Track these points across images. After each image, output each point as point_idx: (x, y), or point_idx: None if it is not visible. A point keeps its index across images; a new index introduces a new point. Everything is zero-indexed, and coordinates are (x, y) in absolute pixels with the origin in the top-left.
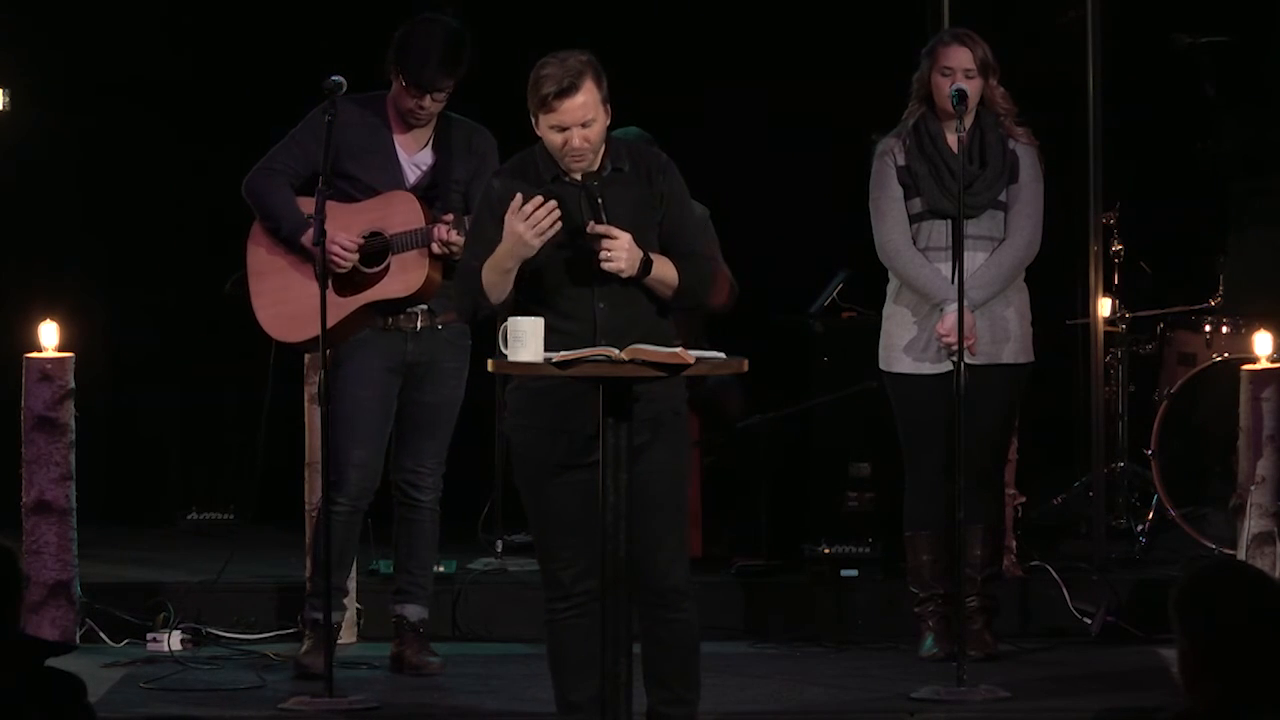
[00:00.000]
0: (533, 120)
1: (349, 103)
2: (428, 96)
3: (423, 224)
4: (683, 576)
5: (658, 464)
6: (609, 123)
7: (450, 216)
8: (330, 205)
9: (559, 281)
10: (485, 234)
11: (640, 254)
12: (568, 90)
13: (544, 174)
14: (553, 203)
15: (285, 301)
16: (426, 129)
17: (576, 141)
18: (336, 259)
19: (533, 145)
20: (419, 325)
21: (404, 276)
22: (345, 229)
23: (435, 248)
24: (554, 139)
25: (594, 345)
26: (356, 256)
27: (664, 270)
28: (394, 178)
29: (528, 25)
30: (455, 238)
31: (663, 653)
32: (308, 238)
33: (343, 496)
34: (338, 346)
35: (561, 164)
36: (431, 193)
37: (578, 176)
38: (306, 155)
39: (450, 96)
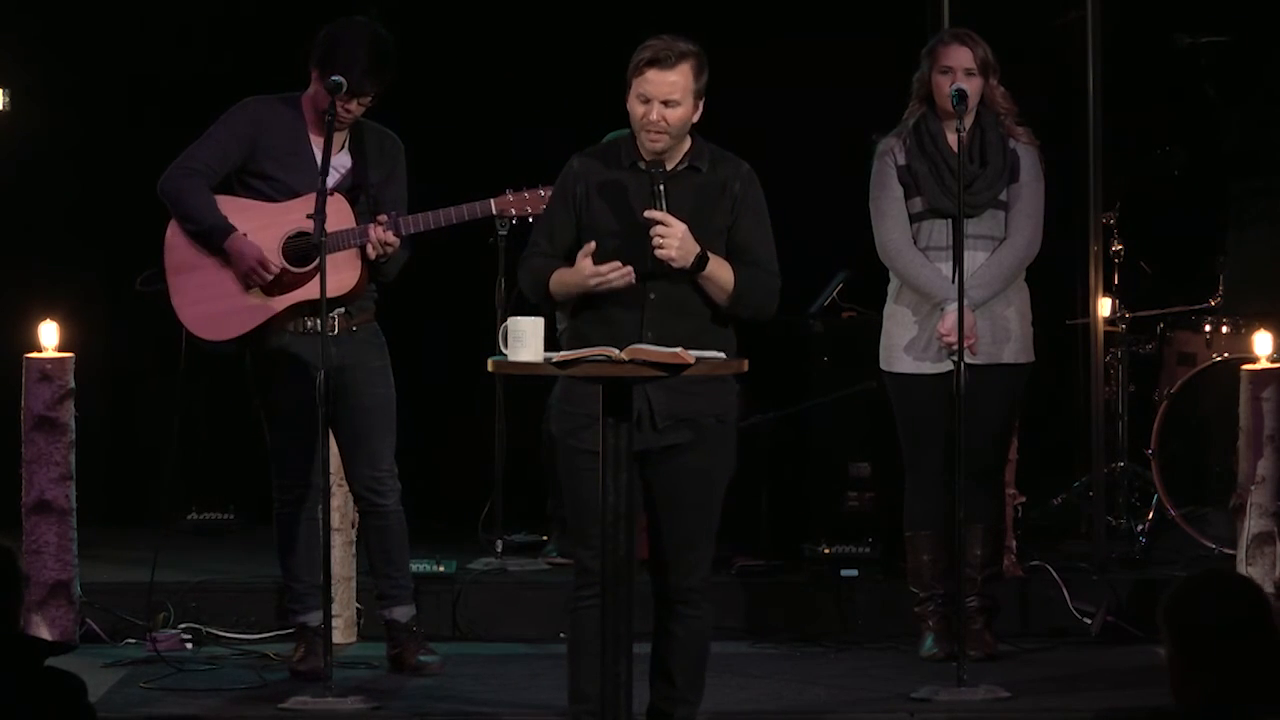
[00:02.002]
0: (626, 92)
1: (274, 102)
2: (354, 101)
3: (353, 224)
4: (705, 578)
5: (693, 467)
6: (696, 118)
7: (384, 218)
8: (254, 205)
9: None
10: (554, 212)
11: (695, 248)
12: (662, 61)
13: (624, 160)
14: (629, 270)
15: (208, 300)
16: (343, 132)
17: (655, 115)
18: (259, 274)
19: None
20: (337, 328)
21: (336, 276)
22: (272, 228)
23: (371, 250)
24: (637, 109)
25: (640, 336)
26: (278, 269)
27: (719, 271)
28: (312, 179)
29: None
30: (391, 238)
31: (675, 650)
32: (230, 242)
33: (295, 498)
34: (261, 350)
35: (639, 139)
36: (353, 195)
37: (644, 163)
38: (226, 154)
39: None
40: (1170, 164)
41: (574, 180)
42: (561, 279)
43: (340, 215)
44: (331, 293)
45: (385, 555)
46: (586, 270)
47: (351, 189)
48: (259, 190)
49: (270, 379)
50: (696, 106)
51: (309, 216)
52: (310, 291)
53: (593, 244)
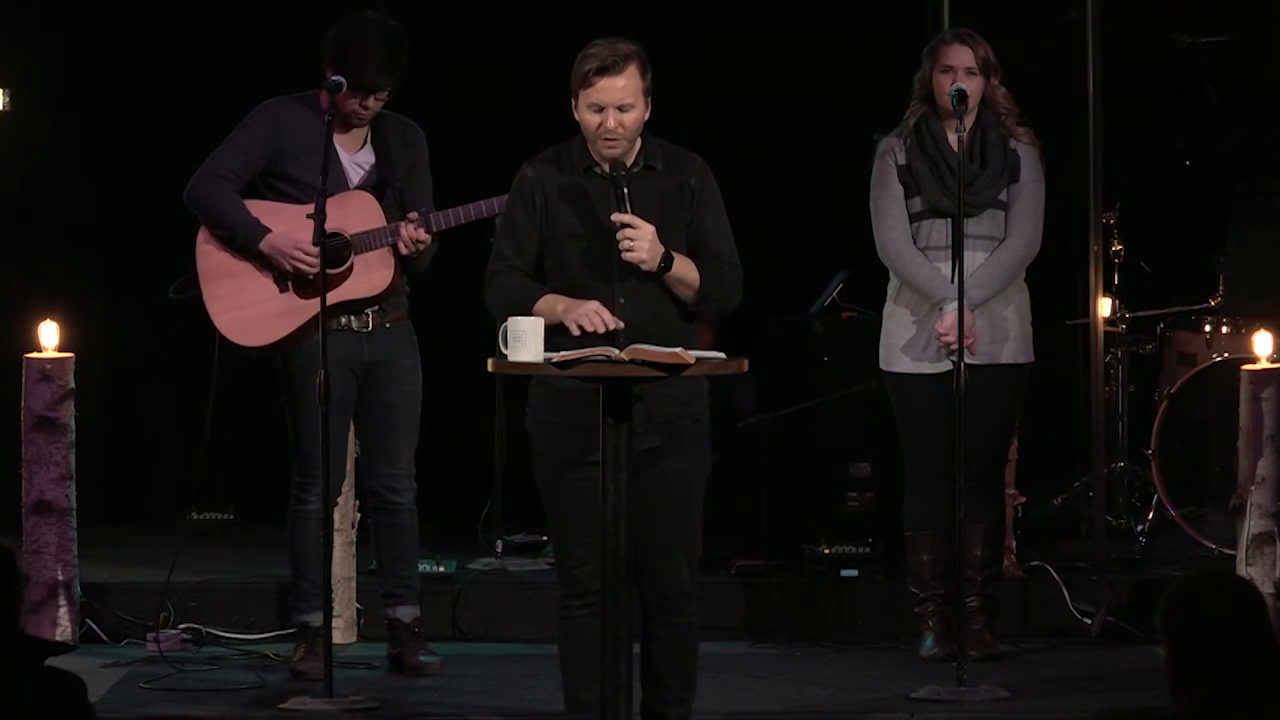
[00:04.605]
0: (572, 101)
1: (293, 103)
2: (371, 97)
3: (383, 223)
4: (689, 579)
5: (672, 469)
6: (647, 117)
7: (415, 215)
8: (281, 208)
9: (582, 274)
10: (515, 223)
11: (662, 248)
12: (610, 69)
13: (577, 164)
14: (611, 321)
15: (243, 305)
16: (363, 128)
17: (611, 123)
18: (302, 265)
19: (570, 139)
20: (371, 325)
21: (369, 276)
22: (301, 230)
23: (402, 247)
24: (590, 119)
25: (613, 341)
26: (316, 260)
27: (685, 270)
28: (337, 179)
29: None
30: (423, 235)
31: (663, 653)
32: (269, 242)
33: (314, 496)
34: (295, 351)
35: (594, 148)
36: (379, 191)
37: (606, 167)
38: (249, 158)
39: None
40: (1183, 154)
41: (531, 188)
42: (546, 307)
43: (370, 214)
44: (367, 292)
45: (394, 554)
46: (573, 305)
47: (377, 184)
48: (284, 192)
49: (302, 378)
50: (647, 105)
51: (317, 219)
52: (344, 292)
53: (596, 303)
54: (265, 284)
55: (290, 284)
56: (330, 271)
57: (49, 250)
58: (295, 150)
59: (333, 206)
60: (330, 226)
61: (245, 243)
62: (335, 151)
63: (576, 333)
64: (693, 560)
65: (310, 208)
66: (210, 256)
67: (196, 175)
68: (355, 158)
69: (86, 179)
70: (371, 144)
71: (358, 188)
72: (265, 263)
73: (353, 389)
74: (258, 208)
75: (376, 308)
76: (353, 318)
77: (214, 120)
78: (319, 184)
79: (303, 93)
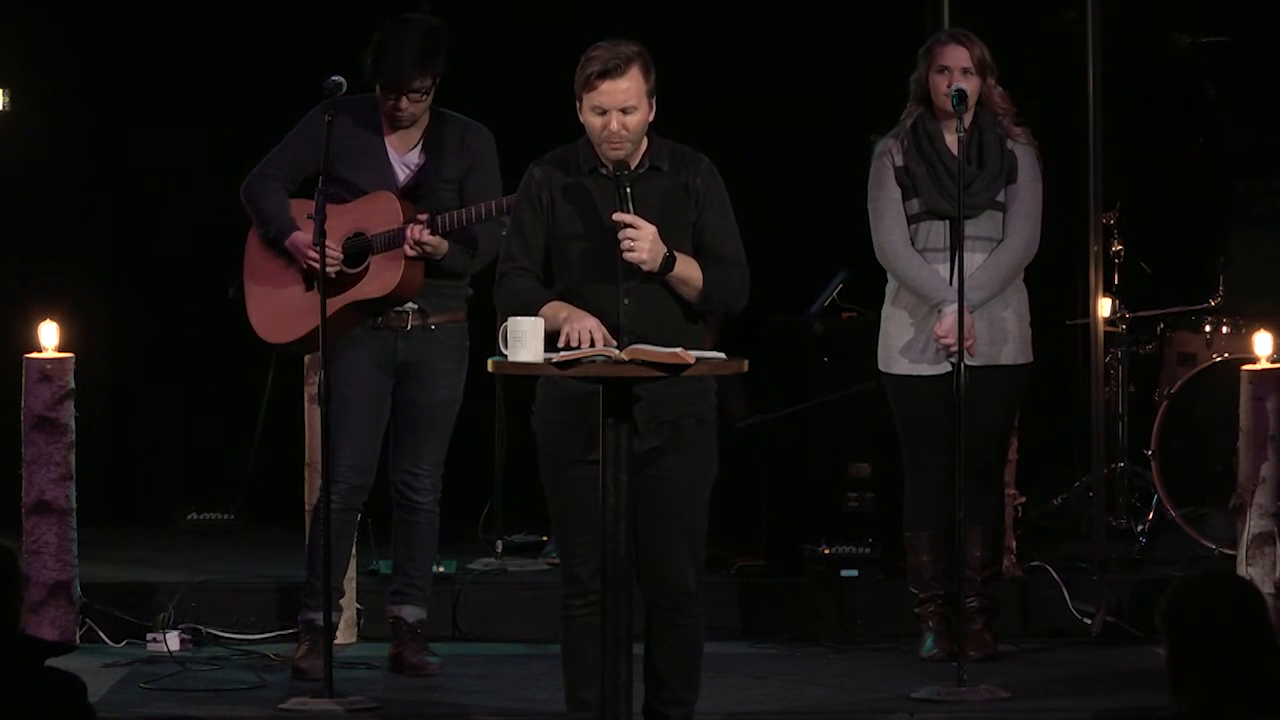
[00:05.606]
0: (577, 104)
1: (344, 105)
2: (404, 97)
3: (400, 224)
4: (693, 581)
5: (676, 469)
6: (652, 118)
7: (424, 215)
8: (328, 207)
9: (586, 275)
10: (523, 223)
11: (664, 249)
12: (612, 71)
13: (583, 165)
14: (601, 341)
15: (273, 303)
16: (417, 128)
17: (615, 125)
18: (316, 265)
19: (577, 139)
20: (409, 325)
21: (381, 277)
22: (331, 230)
23: (407, 248)
24: (594, 121)
25: (617, 341)
26: (339, 260)
27: (687, 270)
28: (384, 179)
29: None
30: (427, 238)
31: (666, 654)
32: (291, 240)
33: (334, 495)
34: (328, 349)
35: (599, 150)
36: (418, 192)
37: (610, 168)
38: (300, 159)
39: (432, 93)
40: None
41: (537, 189)
42: (551, 313)
43: (390, 215)
44: (377, 293)
45: (408, 552)
46: (576, 315)
47: (418, 186)
48: (334, 193)
49: (332, 376)
50: (651, 106)
51: (316, 220)
52: (357, 293)
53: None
54: (294, 282)
55: (315, 283)
56: (349, 271)
57: (49, 250)
58: (345, 152)
59: (360, 206)
60: (355, 227)
61: (276, 240)
62: (385, 151)
63: (562, 344)
64: (698, 561)
65: (347, 207)
66: (252, 256)
67: (250, 174)
68: (404, 158)
69: (87, 179)
70: (424, 145)
71: (403, 187)
72: (293, 261)
73: (386, 386)
74: (302, 207)
75: (414, 308)
76: (391, 316)
77: (215, 121)
78: (372, 184)
79: (358, 95)
